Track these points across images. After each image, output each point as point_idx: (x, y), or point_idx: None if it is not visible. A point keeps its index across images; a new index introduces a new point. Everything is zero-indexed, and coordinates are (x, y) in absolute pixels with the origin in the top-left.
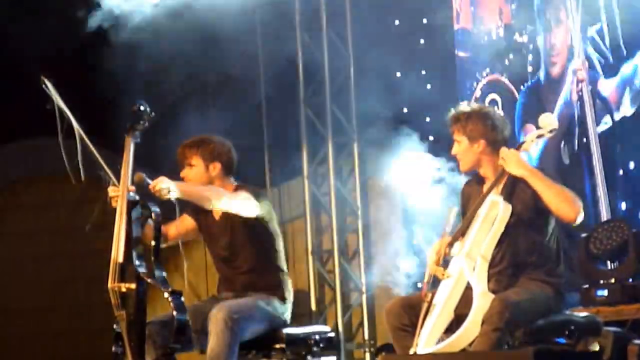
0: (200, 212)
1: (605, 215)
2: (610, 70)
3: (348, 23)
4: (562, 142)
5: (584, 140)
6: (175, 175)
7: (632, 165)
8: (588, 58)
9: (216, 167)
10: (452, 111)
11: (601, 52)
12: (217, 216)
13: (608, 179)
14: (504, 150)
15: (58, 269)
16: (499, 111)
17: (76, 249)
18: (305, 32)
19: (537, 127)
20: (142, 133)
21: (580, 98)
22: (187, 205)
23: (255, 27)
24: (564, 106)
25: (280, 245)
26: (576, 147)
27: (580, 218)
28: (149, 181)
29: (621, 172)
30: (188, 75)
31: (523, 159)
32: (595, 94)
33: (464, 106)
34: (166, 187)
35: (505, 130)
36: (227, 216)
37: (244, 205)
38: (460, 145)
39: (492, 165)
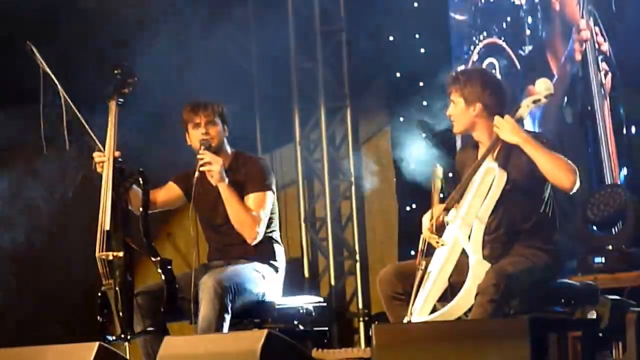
0: (191, 180)
1: (608, 179)
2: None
3: None
4: (565, 99)
5: (588, 105)
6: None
7: (633, 129)
8: (594, 17)
9: (226, 130)
10: (452, 72)
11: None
12: (213, 184)
13: (616, 142)
14: (497, 118)
15: (43, 239)
16: (498, 75)
17: (61, 219)
18: None
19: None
20: (127, 96)
21: (584, 58)
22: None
23: None
24: (566, 62)
25: (276, 215)
26: (579, 109)
27: (576, 187)
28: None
29: (624, 137)
30: (177, 39)
31: (517, 126)
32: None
33: (465, 68)
34: (214, 171)
35: (503, 96)
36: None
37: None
38: (456, 107)
39: (487, 130)
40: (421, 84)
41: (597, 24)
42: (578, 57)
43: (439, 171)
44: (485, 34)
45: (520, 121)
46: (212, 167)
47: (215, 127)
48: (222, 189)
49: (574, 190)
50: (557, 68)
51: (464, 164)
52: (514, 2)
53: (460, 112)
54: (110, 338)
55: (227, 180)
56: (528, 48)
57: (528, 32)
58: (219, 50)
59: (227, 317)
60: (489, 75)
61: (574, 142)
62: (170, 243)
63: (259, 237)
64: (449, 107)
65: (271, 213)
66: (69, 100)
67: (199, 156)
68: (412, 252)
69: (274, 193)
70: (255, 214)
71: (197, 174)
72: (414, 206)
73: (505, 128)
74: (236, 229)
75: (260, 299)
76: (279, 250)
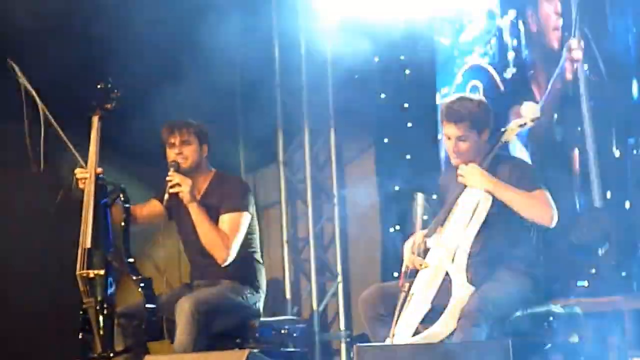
0: (172, 199)
1: (597, 201)
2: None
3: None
4: (555, 117)
5: (578, 125)
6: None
7: (618, 153)
8: (585, 37)
9: (205, 150)
10: (456, 107)
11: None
12: None
13: (600, 164)
14: (462, 167)
15: (26, 257)
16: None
17: (43, 236)
18: (282, 17)
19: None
20: (110, 112)
21: (575, 78)
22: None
23: (231, 11)
24: (558, 79)
25: (256, 235)
26: (569, 128)
27: (554, 221)
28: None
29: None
30: (161, 57)
31: (484, 172)
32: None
33: (460, 101)
34: (184, 192)
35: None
36: (205, 207)
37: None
38: (468, 139)
39: None
40: (406, 105)
41: (589, 45)
42: (569, 76)
43: (420, 199)
44: (469, 56)
45: (506, 145)
46: (181, 188)
47: (190, 146)
48: (192, 209)
49: (553, 224)
50: (539, 90)
51: (447, 186)
52: (498, 25)
53: (474, 143)
54: (91, 356)
55: (197, 201)
56: (512, 71)
57: (512, 54)
58: (203, 71)
59: (203, 341)
60: (484, 100)
61: (562, 162)
62: (151, 262)
63: (230, 258)
64: (458, 144)
65: (251, 233)
66: (49, 117)
67: (167, 178)
68: (395, 274)
69: (250, 214)
70: (227, 234)
71: (166, 195)
72: (397, 228)
73: (472, 177)
74: (207, 249)
75: (240, 320)
76: (260, 270)
